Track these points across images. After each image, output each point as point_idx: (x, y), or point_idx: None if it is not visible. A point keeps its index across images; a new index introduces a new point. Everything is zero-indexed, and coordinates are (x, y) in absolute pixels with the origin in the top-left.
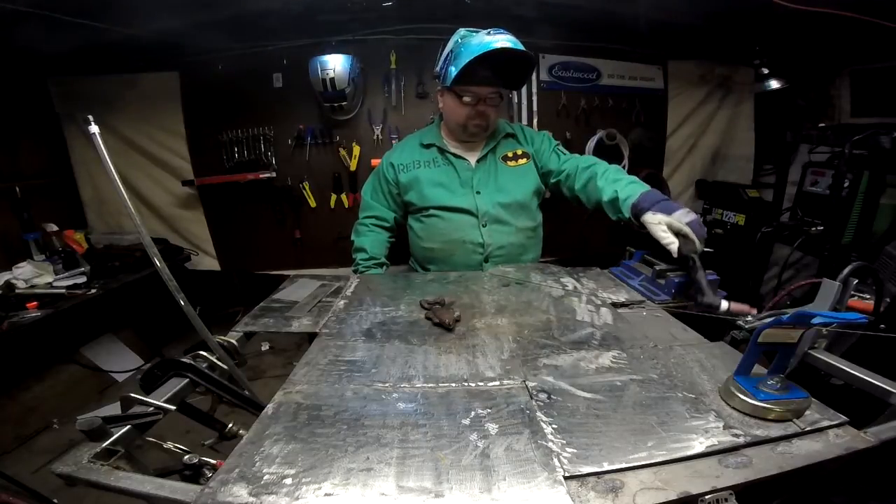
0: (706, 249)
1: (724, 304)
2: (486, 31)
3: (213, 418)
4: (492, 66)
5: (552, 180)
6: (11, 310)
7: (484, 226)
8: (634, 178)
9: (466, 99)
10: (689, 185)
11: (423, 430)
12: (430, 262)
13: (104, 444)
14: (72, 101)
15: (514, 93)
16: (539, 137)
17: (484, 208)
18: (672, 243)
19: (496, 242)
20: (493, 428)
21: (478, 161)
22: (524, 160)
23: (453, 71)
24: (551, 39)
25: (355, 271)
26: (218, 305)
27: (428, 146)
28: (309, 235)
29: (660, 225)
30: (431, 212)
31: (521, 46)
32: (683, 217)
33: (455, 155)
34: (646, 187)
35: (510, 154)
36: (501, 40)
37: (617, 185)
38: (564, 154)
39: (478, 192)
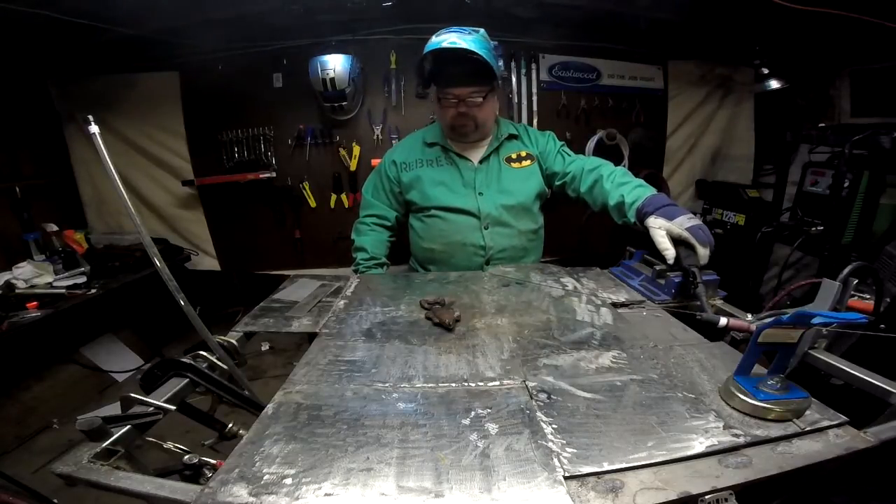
0: None
1: (724, 321)
2: (437, 32)
3: (213, 418)
4: (464, 65)
5: (557, 182)
6: (11, 310)
7: (486, 228)
8: (641, 181)
9: (445, 101)
10: (689, 185)
11: (423, 430)
12: (430, 263)
13: (104, 444)
14: (72, 101)
15: (514, 93)
16: (544, 138)
17: (486, 210)
18: (667, 250)
19: (497, 245)
20: (493, 428)
21: (481, 161)
22: (528, 162)
23: (420, 73)
24: (551, 39)
25: (355, 271)
26: (218, 305)
27: (431, 144)
28: (309, 235)
29: (659, 230)
30: (433, 212)
31: (468, 41)
32: (685, 222)
33: (458, 154)
34: (652, 190)
35: (514, 156)
36: (446, 39)
37: (623, 188)
38: (570, 155)
39: (480, 193)
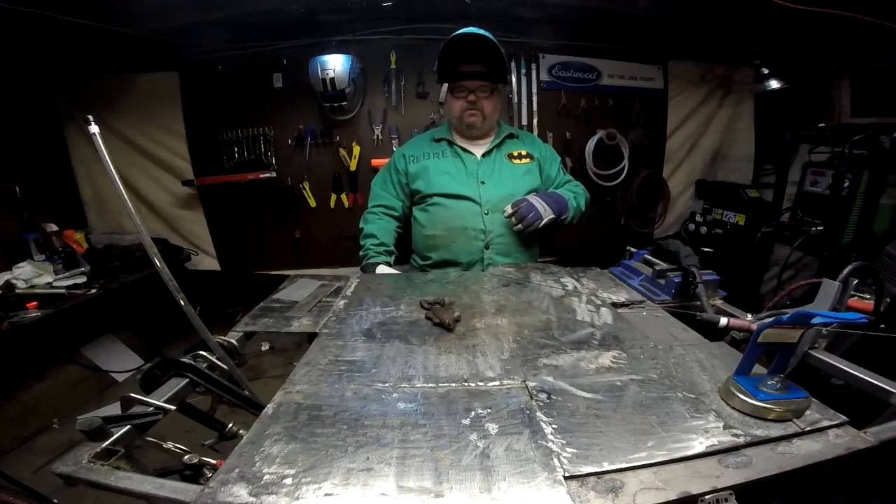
0: (706, 249)
1: (724, 321)
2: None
3: (213, 418)
4: (475, 60)
5: (551, 188)
6: (11, 310)
7: (486, 213)
8: (576, 191)
9: (458, 93)
10: (689, 185)
11: (423, 430)
12: (431, 251)
13: (104, 444)
14: (72, 101)
15: (514, 93)
16: (546, 149)
17: (487, 197)
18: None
19: (497, 230)
20: (493, 428)
21: (483, 155)
22: (528, 160)
23: (438, 67)
24: (551, 39)
25: (363, 257)
26: (218, 305)
27: (438, 140)
28: (309, 235)
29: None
30: (436, 199)
31: (485, 32)
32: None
33: (463, 148)
34: (565, 195)
35: (515, 153)
36: (464, 31)
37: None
38: (565, 174)
39: (482, 182)
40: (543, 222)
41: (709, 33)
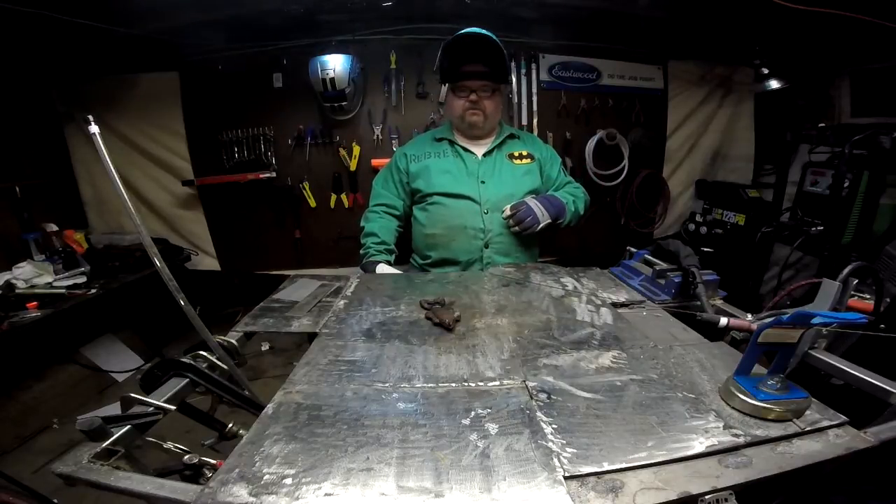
0: (706, 249)
1: (724, 321)
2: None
3: (213, 418)
4: (477, 60)
5: (551, 190)
6: (11, 310)
7: (486, 213)
8: (577, 194)
9: (460, 93)
10: (689, 185)
11: (423, 430)
12: (431, 249)
13: (104, 444)
14: (72, 100)
15: (514, 93)
16: (547, 150)
17: (486, 196)
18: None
19: (497, 230)
20: (493, 428)
21: (484, 155)
22: (528, 160)
23: (440, 67)
24: (551, 39)
25: (364, 255)
26: (218, 305)
27: (440, 140)
28: (309, 235)
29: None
30: (436, 198)
31: (487, 32)
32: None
33: (464, 148)
34: (565, 198)
35: (516, 154)
36: (466, 31)
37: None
38: (566, 175)
39: (482, 182)
40: (540, 226)
41: (709, 33)
